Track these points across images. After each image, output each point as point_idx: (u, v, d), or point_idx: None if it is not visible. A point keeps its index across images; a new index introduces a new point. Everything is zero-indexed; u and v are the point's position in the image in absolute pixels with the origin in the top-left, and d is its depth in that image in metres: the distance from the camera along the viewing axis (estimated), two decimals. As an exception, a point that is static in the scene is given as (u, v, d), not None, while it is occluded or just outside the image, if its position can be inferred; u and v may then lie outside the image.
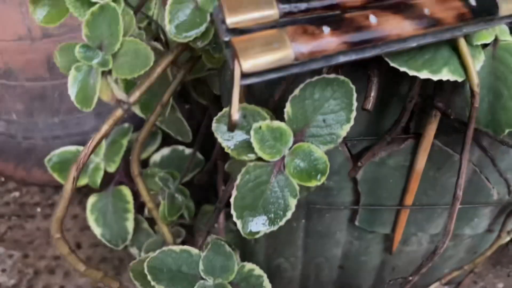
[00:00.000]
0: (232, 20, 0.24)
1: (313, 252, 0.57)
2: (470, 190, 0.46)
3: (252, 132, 0.29)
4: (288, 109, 0.30)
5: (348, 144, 0.42)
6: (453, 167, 0.44)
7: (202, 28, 0.28)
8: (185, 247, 0.33)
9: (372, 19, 0.25)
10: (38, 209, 0.81)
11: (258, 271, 0.35)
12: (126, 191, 0.63)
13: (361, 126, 0.40)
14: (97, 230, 0.65)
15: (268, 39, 0.24)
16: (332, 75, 0.30)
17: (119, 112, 0.29)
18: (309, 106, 0.30)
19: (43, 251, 0.76)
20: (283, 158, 0.30)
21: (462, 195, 0.48)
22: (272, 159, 0.30)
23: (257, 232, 0.29)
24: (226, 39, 0.24)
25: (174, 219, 0.41)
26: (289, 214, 0.30)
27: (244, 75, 0.23)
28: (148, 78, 0.30)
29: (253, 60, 0.23)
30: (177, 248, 0.33)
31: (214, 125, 0.30)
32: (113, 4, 0.27)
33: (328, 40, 0.24)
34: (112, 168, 0.62)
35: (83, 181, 0.65)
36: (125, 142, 0.62)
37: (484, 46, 0.31)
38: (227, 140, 0.30)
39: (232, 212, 0.29)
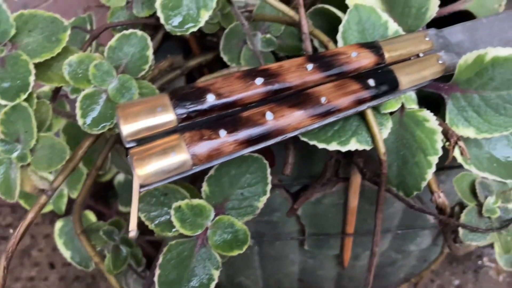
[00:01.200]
0: (128, 130, 0.25)
1: (271, 271, 0.60)
2: (409, 216, 0.48)
3: (172, 212, 0.31)
4: (205, 188, 0.31)
5: (286, 185, 0.44)
6: (386, 200, 0.45)
7: (114, 120, 0.29)
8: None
9: (268, 115, 0.27)
10: (11, 230, 0.82)
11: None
12: (90, 215, 0.64)
13: (295, 170, 0.42)
14: (66, 254, 0.67)
15: (165, 148, 0.25)
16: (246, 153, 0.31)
17: (43, 199, 0.31)
18: (226, 182, 0.32)
19: (18, 273, 0.78)
20: (205, 230, 0.32)
21: (404, 218, 0.50)
22: (194, 234, 0.32)
23: (184, 304, 0.31)
24: (128, 146, 0.25)
25: (121, 270, 0.43)
26: (213, 285, 0.32)
27: (146, 183, 0.25)
28: (71, 163, 0.31)
29: (151, 172, 0.24)
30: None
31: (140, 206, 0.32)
32: (24, 103, 0.28)
33: (225, 143, 0.26)
34: (75, 195, 0.63)
35: (48, 208, 0.66)
36: (85, 170, 0.63)
37: (393, 112, 0.33)
38: (148, 218, 0.32)
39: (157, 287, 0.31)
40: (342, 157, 0.37)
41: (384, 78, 0.30)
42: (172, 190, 0.32)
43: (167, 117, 0.25)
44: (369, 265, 0.34)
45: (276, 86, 0.28)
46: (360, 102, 0.29)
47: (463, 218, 0.32)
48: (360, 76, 0.29)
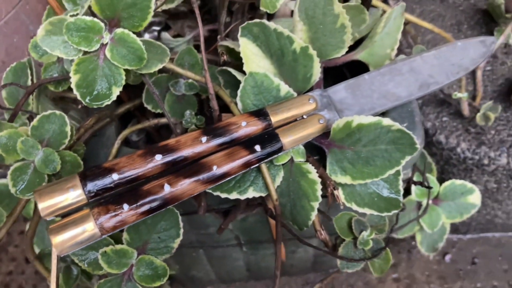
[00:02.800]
0: (45, 210, 0.30)
1: (220, 267, 0.67)
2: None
3: (99, 256, 0.37)
4: (125, 236, 0.37)
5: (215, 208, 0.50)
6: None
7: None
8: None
9: (166, 187, 0.32)
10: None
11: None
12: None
13: (220, 199, 0.48)
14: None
15: (77, 223, 0.31)
16: (158, 205, 0.37)
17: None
18: (143, 229, 0.38)
19: (-4, 268, 0.85)
20: (131, 267, 0.38)
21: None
22: (121, 271, 0.38)
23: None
24: (48, 219, 0.31)
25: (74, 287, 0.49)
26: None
27: (62, 252, 0.31)
28: (11, 217, 0.37)
29: (66, 245, 0.30)
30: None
31: (71, 253, 0.38)
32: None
33: (128, 215, 0.31)
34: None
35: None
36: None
37: (285, 163, 0.38)
38: (81, 260, 0.38)
39: (92, 318, 0.37)
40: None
41: (269, 143, 0.35)
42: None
43: (78, 195, 0.31)
44: (274, 277, 0.41)
45: (174, 159, 0.33)
46: (247, 165, 0.35)
47: (340, 251, 0.38)
48: (248, 143, 0.35)
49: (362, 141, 0.36)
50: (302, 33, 0.38)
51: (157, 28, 0.59)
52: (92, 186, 0.31)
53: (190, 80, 0.44)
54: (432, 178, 0.63)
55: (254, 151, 0.35)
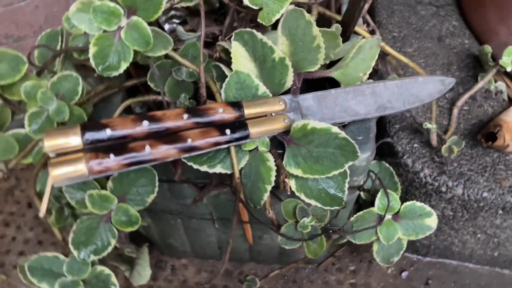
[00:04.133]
0: (49, 143, 0.39)
1: (194, 239, 0.75)
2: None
3: (86, 197, 0.45)
4: (110, 184, 0.45)
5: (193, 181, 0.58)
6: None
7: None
8: (56, 254, 0.50)
9: (147, 148, 0.40)
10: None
11: (107, 271, 0.52)
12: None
13: (198, 173, 0.56)
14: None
15: (71, 161, 0.39)
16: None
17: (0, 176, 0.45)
18: (126, 182, 0.46)
19: (1, 208, 0.94)
20: (110, 212, 0.46)
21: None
22: (102, 213, 0.46)
23: (89, 257, 0.46)
24: (50, 156, 0.39)
25: (63, 225, 0.58)
26: (109, 248, 0.47)
27: (56, 183, 0.39)
28: (22, 155, 0.46)
29: (59, 178, 0.38)
30: (50, 254, 0.50)
31: (64, 189, 0.46)
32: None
33: (112, 163, 0.39)
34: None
35: (28, 160, 0.81)
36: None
37: (251, 150, 0.46)
38: (71, 197, 0.46)
39: (71, 245, 0.46)
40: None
41: (238, 130, 0.43)
42: (89, 182, 0.46)
43: (77, 141, 0.39)
44: (226, 250, 0.48)
45: (158, 128, 0.41)
46: (216, 144, 0.42)
47: (283, 229, 0.46)
48: (221, 126, 0.43)
49: (314, 142, 0.43)
50: (284, 46, 0.45)
51: (177, 21, 0.68)
52: (89, 136, 0.39)
53: (190, 70, 0.52)
54: (395, 196, 0.70)
55: (225, 134, 0.42)
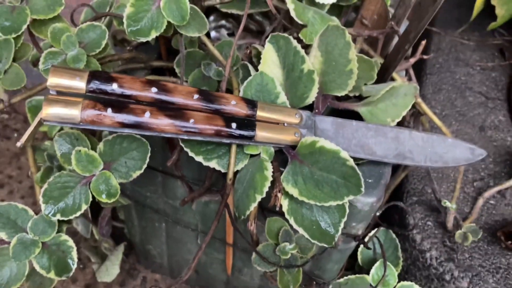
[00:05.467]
0: (51, 82, 0.37)
1: (173, 251, 0.71)
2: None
3: (73, 152, 0.43)
4: (100, 146, 0.43)
5: (188, 181, 0.55)
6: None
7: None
8: (26, 207, 0.48)
9: (147, 114, 0.38)
10: (15, 135, 0.98)
11: (70, 243, 0.49)
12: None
13: (196, 173, 0.53)
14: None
15: (67, 103, 0.37)
16: (138, 136, 0.43)
17: None
18: (117, 150, 0.44)
19: (2, 168, 0.93)
20: (91, 176, 0.44)
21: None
22: (83, 174, 0.44)
23: (55, 215, 0.43)
24: (51, 92, 0.38)
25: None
26: (78, 213, 0.44)
27: (45, 120, 0.37)
28: (33, 90, 0.45)
29: (51, 112, 0.37)
30: (20, 205, 0.48)
31: (56, 137, 0.44)
32: (12, 40, 0.42)
33: (107, 117, 0.38)
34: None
35: (44, 128, 0.81)
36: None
37: (253, 155, 0.43)
38: (59, 148, 0.44)
39: (41, 196, 0.43)
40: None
41: (245, 127, 0.41)
42: (82, 138, 0.44)
43: (80, 85, 0.38)
44: (194, 257, 0.44)
45: (164, 98, 0.39)
46: (218, 134, 0.40)
47: (260, 247, 0.42)
48: (228, 118, 0.40)
49: (320, 163, 0.40)
50: (316, 61, 0.44)
51: (226, 32, 0.68)
52: (94, 84, 0.38)
53: (220, 68, 0.51)
54: (394, 271, 0.64)
55: (230, 126, 0.40)
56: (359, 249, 0.66)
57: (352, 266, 0.70)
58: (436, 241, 0.63)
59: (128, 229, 0.73)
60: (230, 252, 0.62)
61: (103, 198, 0.44)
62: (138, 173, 0.44)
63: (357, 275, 0.65)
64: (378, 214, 0.65)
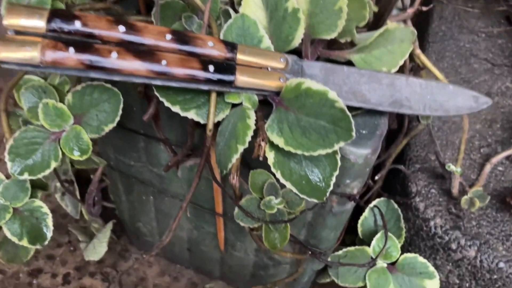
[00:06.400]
0: (9, 19, 0.34)
1: (163, 227, 0.67)
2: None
3: (40, 105, 0.40)
4: (69, 97, 0.40)
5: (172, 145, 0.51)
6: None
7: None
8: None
9: (113, 54, 0.35)
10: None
11: (45, 210, 0.46)
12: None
13: (179, 136, 0.50)
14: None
15: (25, 42, 0.34)
16: (109, 85, 0.40)
17: None
18: (87, 101, 0.40)
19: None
20: (61, 131, 0.41)
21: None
22: (52, 129, 0.40)
23: (22, 174, 0.40)
24: (8, 32, 0.35)
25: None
26: (47, 171, 0.40)
27: (2, 61, 0.34)
28: None
29: (9, 56, 0.33)
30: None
31: (22, 90, 0.41)
32: None
33: (69, 58, 0.34)
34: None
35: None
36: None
37: (236, 104, 0.39)
38: (26, 102, 0.41)
39: (6, 153, 0.40)
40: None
41: (224, 70, 0.37)
42: (50, 91, 0.41)
43: (40, 24, 0.34)
44: (176, 216, 0.41)
45: (133, 39, 0.36)
46: (194, 79, 0.36)
47: (243, 201, 0.38)
48: (205, 60, 0.37)
49: (306, 107, 0.36)
50: (303, 2, 0.40)
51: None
52: (56, 23, 0.35)
53: (202, 22, 0.47)
54: (396, 243, 0.60)
55: (207, 69, 0.37)
56: (359, 221, 0.62)
57: (353, 242, 0.66)
58: (440, 208, 0.59)
59: (116, 205, 0.69)
60: (220, 223, 0.58)
61: (74, 156, 0.41)
62: (110, 126, 0.40)
63: (356, 247, 0.61)
64: (377, 178, 0.61)
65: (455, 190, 0.58)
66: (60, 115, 0.40)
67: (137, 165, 0.56)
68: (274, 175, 0.39)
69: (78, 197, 0.73)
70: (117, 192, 0.65)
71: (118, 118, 0.40)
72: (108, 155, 0.58)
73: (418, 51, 0.49)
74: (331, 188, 0.39)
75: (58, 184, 0.76)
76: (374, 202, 0.62)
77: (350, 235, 0.65)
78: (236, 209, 0.39)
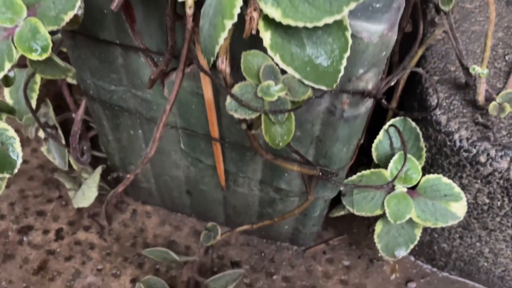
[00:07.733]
0: None
1: (158, 168, 0.61)
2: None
3: (-15, -9, 0.33)
4: (19, -18, 0.33)
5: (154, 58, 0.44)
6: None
7: None
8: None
9: None
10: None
11: (11, 133, 0.40)
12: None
13: (159, 42, 0.43)
14: (10, 102, 0.72)
15: None
16: (65, -37, 0.33)
17: None
18: (41, -14, 0.33)
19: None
20: (15, 27, 0.34)
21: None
22: (3, 25, 0.34)
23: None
24: None
25: None
26: (1, 73, 0.34)
27: None
28: None
29: None
30: None
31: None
32: None
33: None
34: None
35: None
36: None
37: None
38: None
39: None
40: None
41: None
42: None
43: None
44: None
45: None
46: None
47: (235, 89, 0.31)
48: None
49: (306, -39, 0.29)
50: None
51: None
52: None
53: None
54: (416, 164, 0.54)
55: None
56: (373, 145, 0.56)
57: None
58: (465, 120, 0.52)
59: (105, 148, 0.63)
60: (218, 151, 0.52)
61: (32, 55, 0.34)
62: (70, 14, 0.34)
63: (372, 170, 0.55)
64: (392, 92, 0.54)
65: (481, 98, 0.51)
66: (10, 7, 0.33)
67: (119, 90, 0.50)
68: (272, 59, 0.32)
69: (64, 143, 0.67)
70: (103, 131, 0.59)
71: (78, 2, 0.33)
72: (86, 82, 0.51)
73: None
74: (342, 73, 0.33)
75: (43, 135, 0.70)
76: (389, 122, 0.56)
77: (363, 167, 0.58)
78: (228, 98, 0.32)
